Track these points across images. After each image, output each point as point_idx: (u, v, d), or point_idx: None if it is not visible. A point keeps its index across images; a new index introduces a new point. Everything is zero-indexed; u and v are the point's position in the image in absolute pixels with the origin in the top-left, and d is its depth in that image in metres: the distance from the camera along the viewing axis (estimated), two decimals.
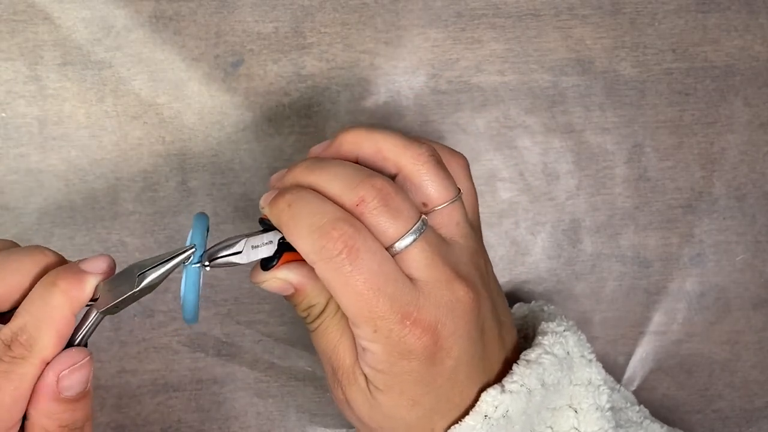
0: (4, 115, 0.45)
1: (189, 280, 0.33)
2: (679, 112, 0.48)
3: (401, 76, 0.46)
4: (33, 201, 0.45)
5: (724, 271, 0.48)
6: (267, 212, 0.33)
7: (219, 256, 0.33)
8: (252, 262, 0.34)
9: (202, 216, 0.34)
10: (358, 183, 0.31)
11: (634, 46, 0.47)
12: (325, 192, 0.32)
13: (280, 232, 0.33)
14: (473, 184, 0.37)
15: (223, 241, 0.33)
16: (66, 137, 0.45)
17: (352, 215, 0.31)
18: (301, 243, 0.31)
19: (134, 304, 0.32)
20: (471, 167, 0.47)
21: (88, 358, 0.31)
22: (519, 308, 0.42)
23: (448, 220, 0.33)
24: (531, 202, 0.47)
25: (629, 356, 0.48)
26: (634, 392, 0.48)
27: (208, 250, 0.33)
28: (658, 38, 0.47)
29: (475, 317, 0.32)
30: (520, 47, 0.47)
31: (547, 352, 0.35)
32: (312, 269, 0.32)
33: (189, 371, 0.46)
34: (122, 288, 0.31)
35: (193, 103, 0.45)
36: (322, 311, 0.35)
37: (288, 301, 0.36)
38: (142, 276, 0.31)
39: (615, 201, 0.47)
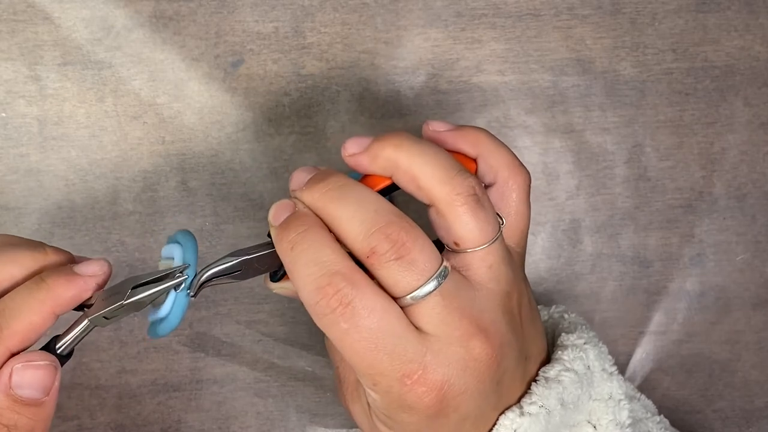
0: (4, 115, 0.45)
1: (178, 305, 0.32)
2: (679, 112, 0.48)
3: (401, 76, 0.46)
4: (33, 201, 0.45)
5: (724, 271, 0.48)
6: (273, 236, 0.32)
7: (213, 278, 0.32)
8: (254, 277, 0.33)
9: (189, 234, 0.33)
10: (374, 230, 0.29)
11: (634, 46, 0.47)
12: (338, 231, 0.30)
13: None
14: (529, 207, 0.34)
15: (217, 261, 0.32)
16: (66, 137, 0.45)
17: (354, 266, 0.30)
18: (299, 290, 0.30)
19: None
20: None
21: (48, 362, 0.30)
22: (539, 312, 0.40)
23: (479, 264, 0.31)
24: (531, 202, 0.47)
25: (629, 356, 0.48)
26: None
27: (201, 272, 0.32)
28: (658, 38, 0.47)
29: (491, 374, 0.30)
30: (520, 47, 0.47)
31: (567, 369, 0.33)
32: None
33: (189, 371, 0.46)
34: (114, 299, 0.31)
35: (193, 103, 0.45)
36: None
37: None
38: (134, 291, 0.31)
39: (615, 201, 0.47)
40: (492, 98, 0.47)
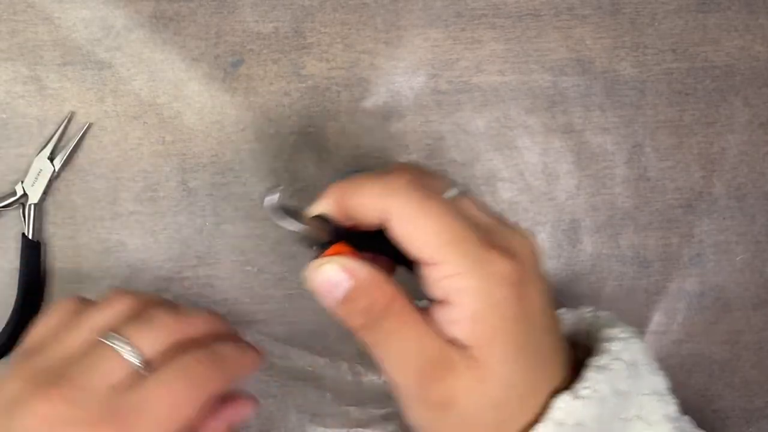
0: (4, 115, 0.45)
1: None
2: (679, 112, 0.48)
3: (401, 76, 0.46)
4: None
5: (724, 271, 0.48)
6: (322, 206, 0.32)
7: (292, 210, 0.31)
8: (293, 232, 0.32)
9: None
10: (385, 175, 0.32)
11: (634, 46, 0.47)
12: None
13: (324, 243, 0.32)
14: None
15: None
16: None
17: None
18: (367, 190, 0.31)
19: None
20: (471, 167, 0.47)
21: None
22: (565, 314, 0.39)
23: (468, 206, 0.32)
24: (531, 202, 0.47)
25: None
26: None
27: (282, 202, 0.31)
28: (658, 38, 0.47)
29: (539, 261, 0.32)
30: (520, 47, 0.47)
31: (616, 358, 0.33)
32: (368, 261, 0.31)
33: None
34: None
35: (193, 103, 0.45)
36: (390, 301, 0.31)
37: (341, 310, 0.32)
38: None
39: (615, 201, 0.47)
40: (492, 98, 0.47)
